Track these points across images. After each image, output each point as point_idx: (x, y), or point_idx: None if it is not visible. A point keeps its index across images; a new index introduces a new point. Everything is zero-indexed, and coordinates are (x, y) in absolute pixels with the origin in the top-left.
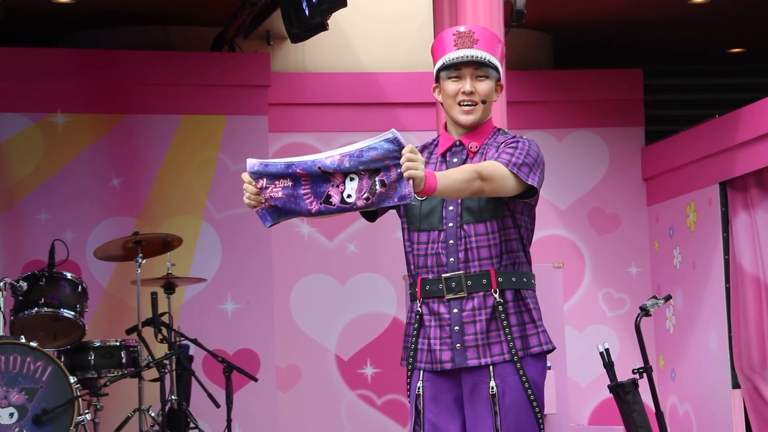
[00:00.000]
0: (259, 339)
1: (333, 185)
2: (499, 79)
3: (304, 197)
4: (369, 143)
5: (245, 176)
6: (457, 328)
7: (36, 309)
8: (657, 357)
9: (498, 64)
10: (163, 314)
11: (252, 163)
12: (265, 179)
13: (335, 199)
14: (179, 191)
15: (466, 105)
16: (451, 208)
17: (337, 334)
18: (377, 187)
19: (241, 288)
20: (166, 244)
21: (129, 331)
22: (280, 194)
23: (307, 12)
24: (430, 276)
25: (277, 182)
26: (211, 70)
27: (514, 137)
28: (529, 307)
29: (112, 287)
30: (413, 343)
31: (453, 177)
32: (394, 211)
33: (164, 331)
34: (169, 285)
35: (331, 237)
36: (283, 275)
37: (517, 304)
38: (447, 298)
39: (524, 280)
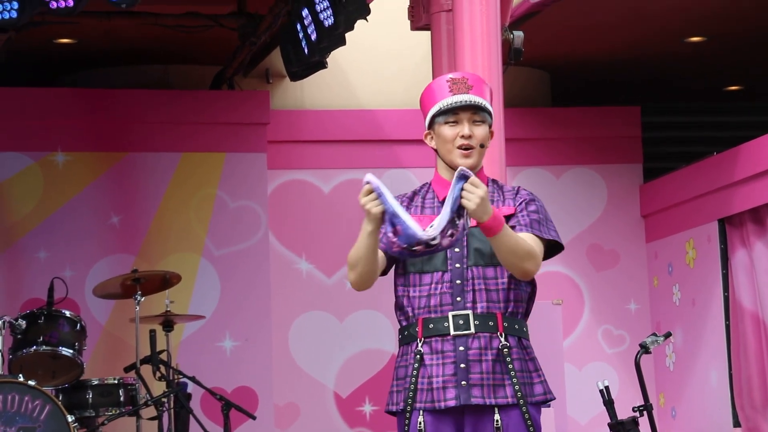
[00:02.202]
0: (257, 376)
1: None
2: (491, 125)
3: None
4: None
5: (366, 188)
6: (463, 365)
7: (35, 347)
8: (657, 395)
9: (491, 110)
10: (161, 352)
11: (369, 177)
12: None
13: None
14: (178, 229)
15: (465, 149)
16: (456, 249)
17: (335, 371)
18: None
19: (239, 325)
20: (165, 281)
21: (127, 369)
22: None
23: (306, 50)
24: (434, 315)
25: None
26: (211, 108)
27: (519, 192)
28: (532, 356)
29: (110, 325)
30: (413, 383)
31: (517, 237)
32: None
33: (162, 368)
34: (168, 322)
35: (329, 274)
36: (281, 312)
37: (521, 351)
38: (453, 335)
39: (524, 329)
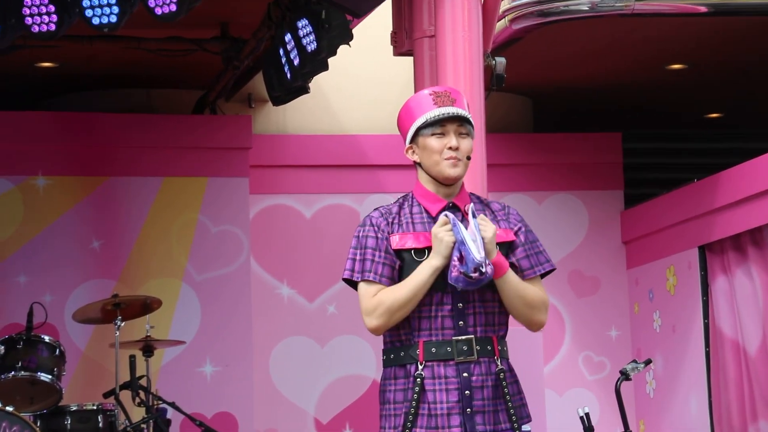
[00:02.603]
0: (237, 402)
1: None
2: (473, 138)
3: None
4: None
5: (443, 220)
6: (467, 392)
7: (13, 373)
8: (637, 421)
9: (473, 123)
10: (141, 377)
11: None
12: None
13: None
14: (159, 254)
15: (453, 159)
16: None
17: (316, 397)
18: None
19: (220, 351)
20: (146, 306)
21: (106, 395)
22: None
23: (288, 75)
24: (434, 338)
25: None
26: (193, 132)
27: (510, 213)
28: (516, 378)
29: (90, 350)
30: (413, 407)
31: (525, 284)
32: None
33: (142, 394)
34: (148, 348)
35: (311, 299)
36: (262, 337)
37: (511, 375)
38: (457, 361)
39: (508, 350)
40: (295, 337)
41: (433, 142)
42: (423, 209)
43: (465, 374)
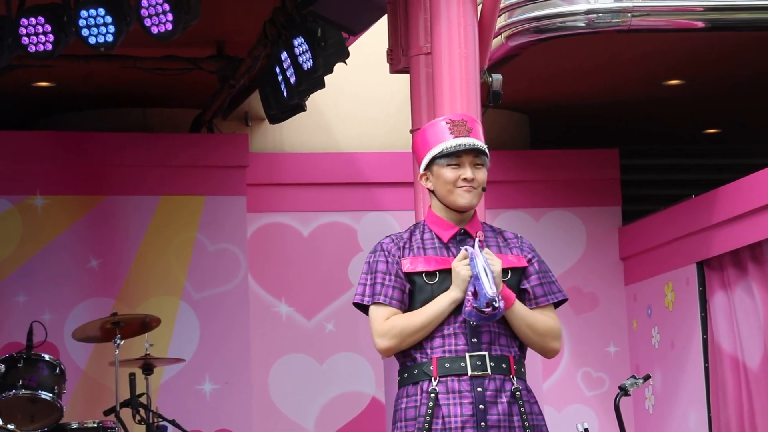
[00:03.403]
0: (237, 419)
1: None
2: (488, 167)
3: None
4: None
5: (462, 254)
6: (481, 406)
7: (14, 391)
8: None
9: (488, 154)
10: (141, 395)
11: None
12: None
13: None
14: (157, 272)
15: (466, 187)
16: (471, 290)
17: (315, 414)
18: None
19: (219, 368)
20: (145, 324)
21: (107, 413)
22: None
23: (285, 93)
24: (448, 355)
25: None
26: (190, 151)
27: (523, 242)
28: (535, 399)
29: (90, 368)
30: (427, 422)
31: (534, 313)
32: None
33: (142, 412)
34: (147, 366)
35: (309, 316)
36: (261, 355)
37: (529, 395)
38: (470, 375)
39: (526, 374)
40: (294, 354)
41: (448, 172)
42: (434, 235)
43: (479, 389)
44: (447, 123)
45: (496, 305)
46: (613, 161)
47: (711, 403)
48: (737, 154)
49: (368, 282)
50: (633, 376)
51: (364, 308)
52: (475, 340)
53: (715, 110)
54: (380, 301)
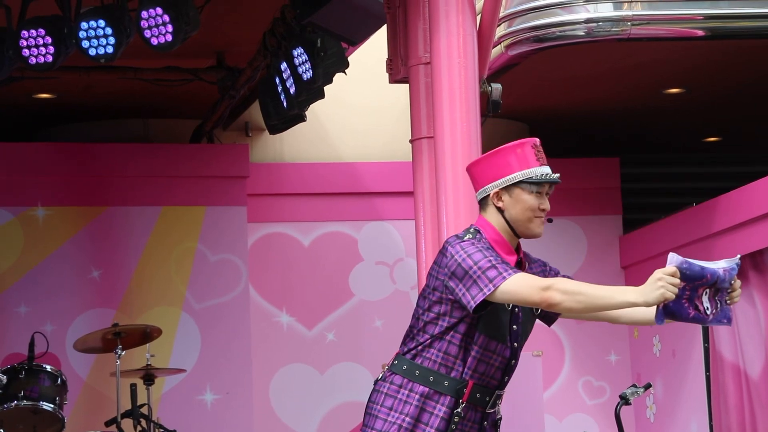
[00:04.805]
0: (238, 429)
1: (698, 296)
2: None
3: (684, 302)
4: (731, 264)
5: (673, 269)
6: None
7: (15, 402)
8: None
9: None
10: (142, 406)
11: (678, 260)
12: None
13: (701, 309)
14: (158, 282)
15: (540, 219)
16: (515, 327)
17: (316, 423)
18: (719, 305)
19: (220, 378)
20: (146, 335)
21: (108, 423)
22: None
23: (284, 103)
24: (482, 384)
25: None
26: (190, 161)
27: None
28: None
29: (91, 379)
30: None
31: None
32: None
33: (143, 422)
34: (149, 376)
35: (310, 326)
36: (262, 365)
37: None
38: (488, 410)
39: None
40: (295, 364)
41: (532, 200)
42: (498, 255)
43: (485, 422)
44: (533, 147)
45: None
46: (613, 170)
47: (712, 411)
48: (737, 162)
49: (488, 265)
50: (633, 385)
51: (484, 301)
52: (506, 378)
53: (716, 119)
54: (508, 277)
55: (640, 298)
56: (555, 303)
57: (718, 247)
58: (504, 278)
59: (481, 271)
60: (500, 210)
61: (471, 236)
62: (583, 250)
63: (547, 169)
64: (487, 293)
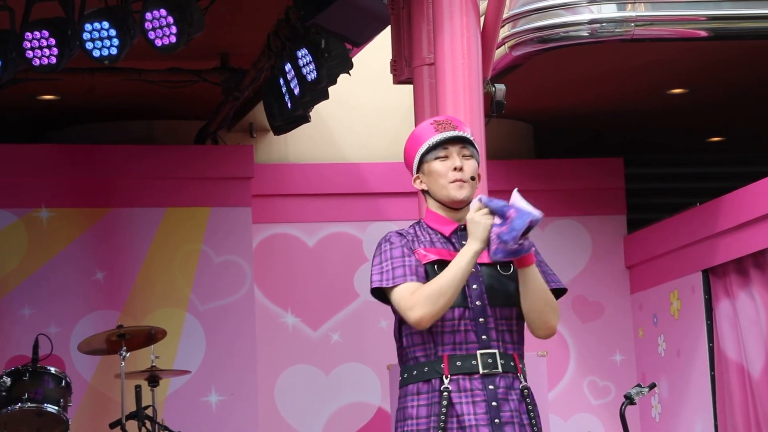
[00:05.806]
0: (243, 431)
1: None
2: (478, 162)
3: (505, 228)
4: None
5: (477, 205)
6: (494, 403)
7: (19, 404)
8: None
9: (477, 147)
10: (147, 407)
11: (484, 199)
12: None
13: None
14: (163, 284)
15: (459, 181)
16: (474, 286)
17: (321, 424)
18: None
19: (225, 380)
20: (150, 337)
21: (113, 425)
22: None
23: (289, 104)
24: (459, 352)
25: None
26: (195, 162)
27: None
28: (536, 401)
29: (96, 381)
30: (442, 421)
31: (545, 284)
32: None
33: (148, 424)
34: (153, 378)
35: (315, 327)
36: (267, 366)
37: (532, 394)
38: (482, 373)
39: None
40: (300, 365)
41: (438, 165)
42: (437, 231)
43: (491, 387)
44: (432, 123)
45: (535, 221)
46: (617, 170)
47: (717, 411)
48: (741, 162)
49: (385, 268)
50: (638, 385)
51: (381, 296)
52: (485, 337)
53: (719, 119)
54: (401, 282)
55: (474, 242)
56: (420, 316)
57: (722, 247)
58: (388, 284)
59: (375, 272)
60: (426, 192)
61: (408, 228)
62: (587, 250)
63: (448, 133)
64: (378, 286)
